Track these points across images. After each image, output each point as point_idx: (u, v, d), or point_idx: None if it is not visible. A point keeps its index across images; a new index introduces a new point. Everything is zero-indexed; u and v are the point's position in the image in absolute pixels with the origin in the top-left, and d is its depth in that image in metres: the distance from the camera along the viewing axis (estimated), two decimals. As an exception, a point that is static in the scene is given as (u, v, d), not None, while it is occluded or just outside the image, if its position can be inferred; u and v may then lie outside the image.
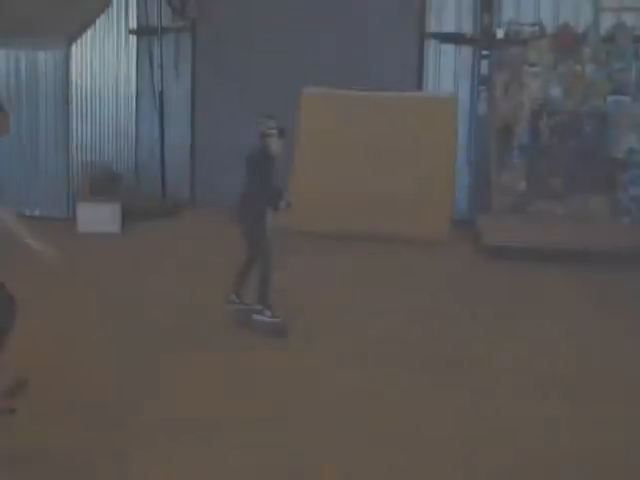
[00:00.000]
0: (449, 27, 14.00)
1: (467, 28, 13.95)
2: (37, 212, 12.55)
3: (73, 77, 12.72)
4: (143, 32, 14.65)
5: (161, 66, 14.55)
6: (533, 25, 13.71)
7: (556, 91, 13.60)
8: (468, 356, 6.75)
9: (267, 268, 7.02)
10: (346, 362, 6.43)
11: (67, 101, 12.59)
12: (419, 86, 14.01)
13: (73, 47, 12.69)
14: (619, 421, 5.51)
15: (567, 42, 13.54)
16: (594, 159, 13.37)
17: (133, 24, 14.52)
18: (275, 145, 7.14)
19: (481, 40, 13.78)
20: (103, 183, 12.27)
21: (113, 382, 5.82)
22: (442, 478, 4.65)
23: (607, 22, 13.50)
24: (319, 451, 4.86)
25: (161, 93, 14.55)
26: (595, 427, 5.39)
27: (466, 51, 13.99)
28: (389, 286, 9.20)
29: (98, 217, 11.77)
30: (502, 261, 10.45)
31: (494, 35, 13.76)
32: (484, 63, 13.75)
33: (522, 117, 13.65)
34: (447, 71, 14.03)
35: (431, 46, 14.09)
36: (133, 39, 14.60)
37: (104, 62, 13.73)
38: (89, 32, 13.21)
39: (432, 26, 14.05)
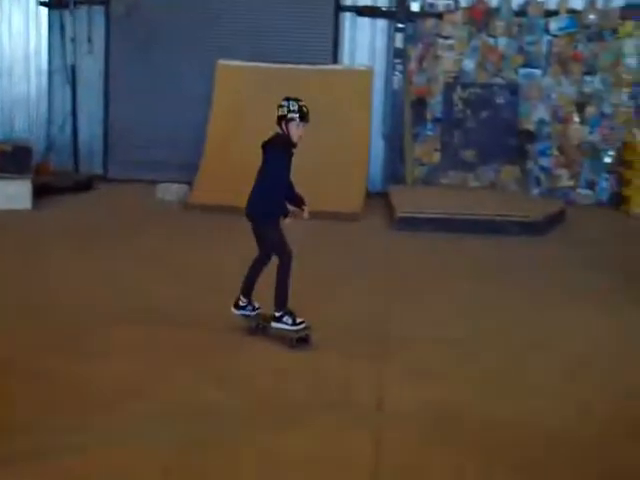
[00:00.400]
0: (365, 0, 14.02)
1: (383, 1, 14.02)
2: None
3: (-22, 50, 12.41)
4: (54, 5, 14.33)
5: (73, 40, 14.27)
6: (448, -1, 13.86)
7: (469, 64, 13.77)
8: (388, 331, 6.63)
9: (286, 271, 6.22)
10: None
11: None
12: (334, 59, 14.03)
13: (-22, 19, 12.38)
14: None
15: (480, 16, 13.71)
16: (506, 131, 13.62)
17: (43, -4, 14.24)
18: (296, 130, 6.35)
19: (396, 13, 13.85)
20: (13, 159, 11.98)
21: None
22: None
23: (519, -4, 13.76)
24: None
25: (73, 67, 14.29)
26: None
27: (381, 24, 14.06)
28: (304, 264, 9.01)
29: (8, 194, 11.50)
30: (414, 232, 10.55)
31: (409, 8, 13.86)
32: (399, 36, 13.83)
33: (436, 90, 13.80)
34: (362, 44, 14.08)
35: (347, 19, 14.12)
36: (44, 12, 14.28)
37: (12, 35, 13.40)
38: (-4, 3, 12.90)
39: (348, -1, 14.09)
